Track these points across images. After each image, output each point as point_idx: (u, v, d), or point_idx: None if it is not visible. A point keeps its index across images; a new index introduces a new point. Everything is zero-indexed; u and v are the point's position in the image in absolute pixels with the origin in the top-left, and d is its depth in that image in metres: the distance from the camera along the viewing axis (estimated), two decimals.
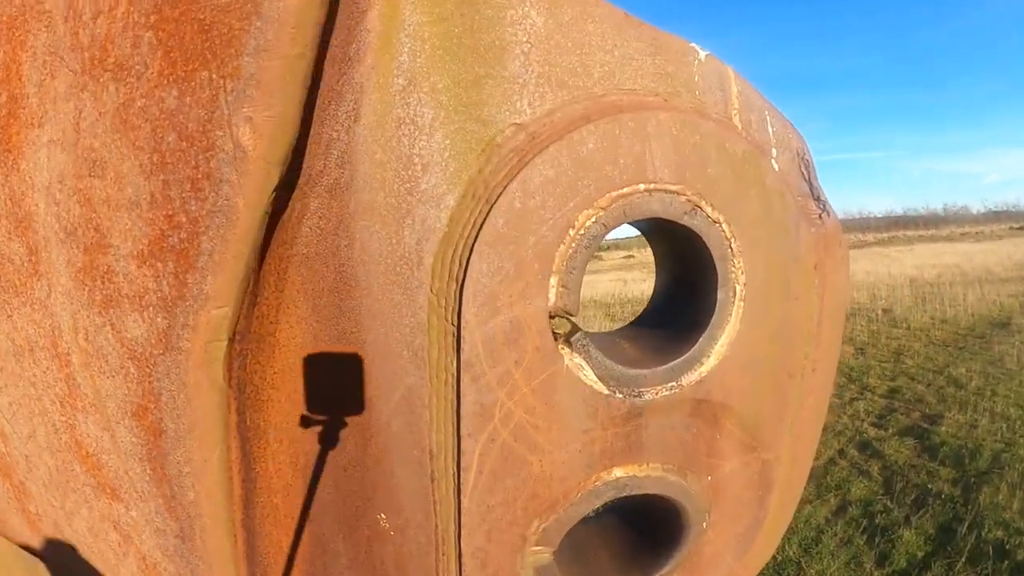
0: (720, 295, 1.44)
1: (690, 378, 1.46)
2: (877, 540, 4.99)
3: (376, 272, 1.25)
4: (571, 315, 1.32)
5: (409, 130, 1.22)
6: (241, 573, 1.43)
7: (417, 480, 1.34)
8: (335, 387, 1.32)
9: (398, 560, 1.39)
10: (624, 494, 1.49)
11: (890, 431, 7.39)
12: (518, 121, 1.28)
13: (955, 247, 43.24)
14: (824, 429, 6.25)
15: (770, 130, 1.52)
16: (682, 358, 1.45)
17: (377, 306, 1.26)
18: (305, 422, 1.33)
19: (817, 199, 1.55)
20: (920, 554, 4.79)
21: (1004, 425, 7.05)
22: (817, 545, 5.03)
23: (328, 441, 1.34)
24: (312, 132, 1.20)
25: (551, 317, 1.31)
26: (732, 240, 1.42)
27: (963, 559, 4.58)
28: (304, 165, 1.21)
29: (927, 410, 8.03)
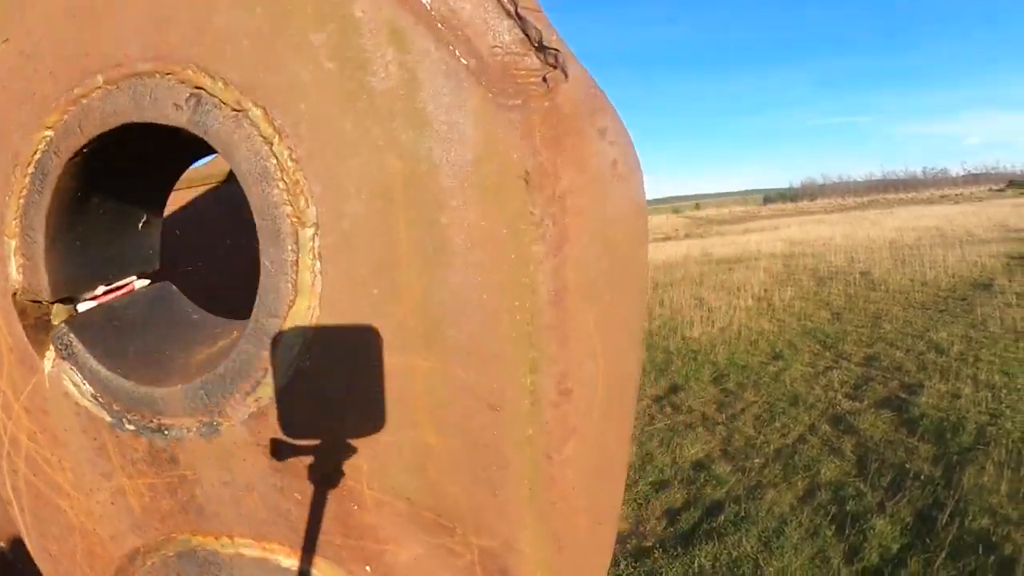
0: (268, 257, 0.79)
1: (241, 409, 0.81)
2: (847, 531, 4.36)
3: None
4: (41, 299, 0.91)
5: None
6: None
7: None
8: None
9: None
10: (216, 574, 0.99)
11: (866, 403, 6.79)
12: None
13: (934, 209, 43.05)
14: (794, 402, 5.59)
15: None
16: (214, 372, 0.82)
17: None
18: None
19: (540, 48, 0.76)
20: (895, 547, 4.17)
21: (989, 394, 6.44)
22: (779, 538, 4.40)
23: None
24: None
25: (37, 303, 0.91)
26: (277, 140, 0.76)
27: (944, 553, 3.97)
28: None
29: (906, 379, 7.43)
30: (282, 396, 0.80)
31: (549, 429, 0.81)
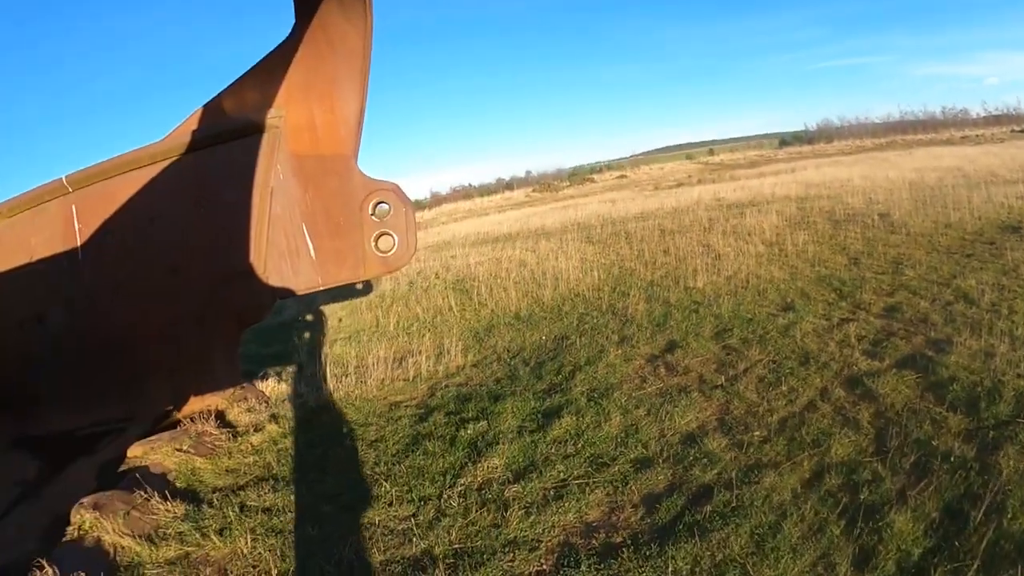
0: None
1: None
2: (859, 528, 3.56)
3: None
4: None
5: None
6: None
7: None
8: None
9: None
10: None
11: (886, 362, 5.93)
12: None
13: (955, 150, 41.15)
14: (804, 361, 4.19)
15: None
16: None
17: None
18: None
19: None
20: (917, 552, 3.36)
21: None
22: (775, 536, 3.61)
23: None
24: None
25: None
26: None
27: (976, 563, 3.17)
28: None
29: (932, 333, 6.54)
30: None
31: None
